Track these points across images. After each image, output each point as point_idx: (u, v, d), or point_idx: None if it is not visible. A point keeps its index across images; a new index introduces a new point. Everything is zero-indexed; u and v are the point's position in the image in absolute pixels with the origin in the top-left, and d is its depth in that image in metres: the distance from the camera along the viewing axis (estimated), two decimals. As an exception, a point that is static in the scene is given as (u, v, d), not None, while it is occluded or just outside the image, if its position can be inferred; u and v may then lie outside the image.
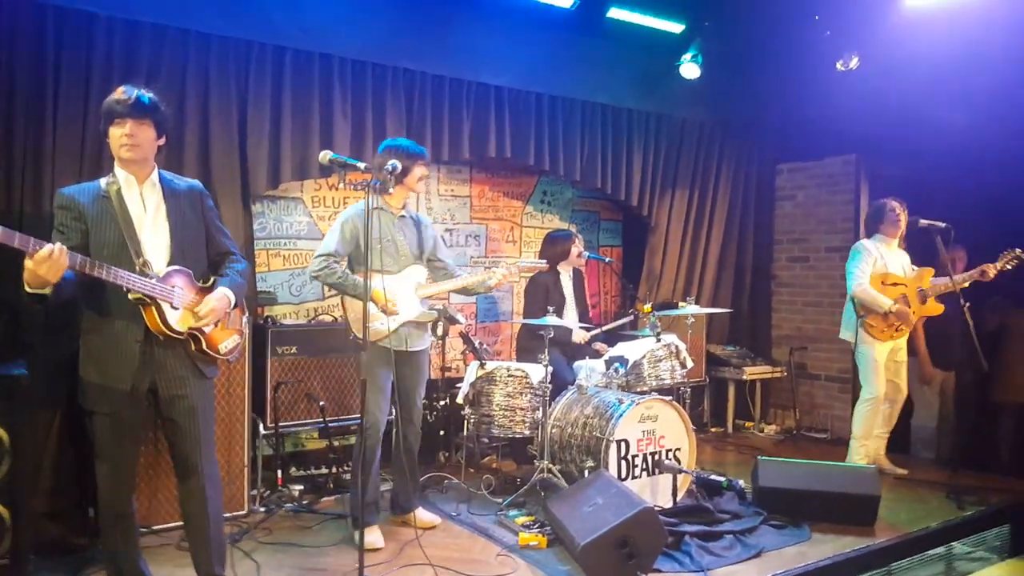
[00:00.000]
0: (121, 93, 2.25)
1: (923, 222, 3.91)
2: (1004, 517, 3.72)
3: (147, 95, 2.28)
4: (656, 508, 2.97)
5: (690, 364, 4.04)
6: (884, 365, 4.10)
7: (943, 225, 3.90)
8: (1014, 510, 3.76)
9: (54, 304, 2.13)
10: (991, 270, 4.04)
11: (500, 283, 3.33)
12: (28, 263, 1.99)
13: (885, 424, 4.27)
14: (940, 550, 3.48)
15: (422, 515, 3.30)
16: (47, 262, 1.98)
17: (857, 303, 4.09)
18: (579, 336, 4.44)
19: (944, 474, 4.06)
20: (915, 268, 4.23)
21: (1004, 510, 3.74)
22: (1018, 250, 4.04)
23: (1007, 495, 3.88)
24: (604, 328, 4.66)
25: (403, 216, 3.26)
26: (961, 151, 4.45)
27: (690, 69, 4.82)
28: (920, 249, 4.32)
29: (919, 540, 3.39)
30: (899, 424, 4.43)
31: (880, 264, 4.11)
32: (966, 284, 4.03)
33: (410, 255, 3.23)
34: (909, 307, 4.06)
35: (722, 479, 3.48)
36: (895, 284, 4.10)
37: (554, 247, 4.49)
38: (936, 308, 4.15)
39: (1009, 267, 4.05)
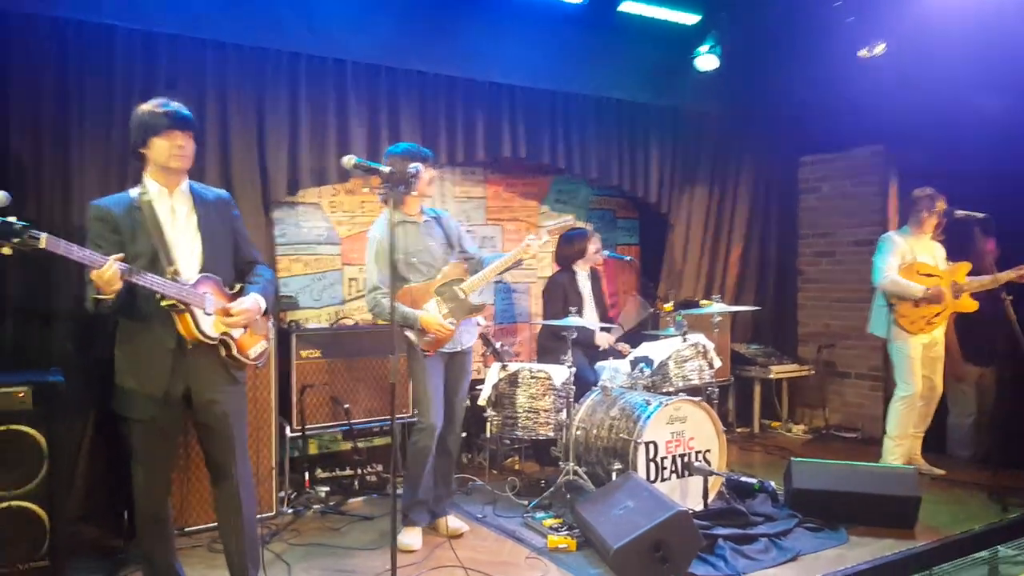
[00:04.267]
0: (162, 106, 2.32)
1: (959, 213, 3.78)
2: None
3: (184, 109, 2.36)
4: (689, 511, 2.91)
5: (718, 363, 3.96)
6: (920, 361, 3.99)
7: (981, 216, 3.76)
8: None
9: (114, 309, 2.22)
10: None
11: (535, 254, 3.26)
12: (92, 275, 2.12)
13: (920, 423, 4.15)
14: (984, 553, 3.34)
15: (452, 522, 3.27)
16: (101, 279, 2.10)
17: (888, 296, 3.98)
18: (602, 340, 4.38)
19: (984, 474, 3.91)
20: (949, 262, 4.10)
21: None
22: None
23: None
24: (627, 329, 4.59)
25: (426, 220, 3.24)
26: (994, 137, 4.30)
27: (707, 61, 4.72)
28: (952, 240, 4.18)
29: (962, 543, 3.26)
30: (933, 422, 4.30)
31: (909, 256, 4.00)
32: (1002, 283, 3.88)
33: (442, 257, 3.22)
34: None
35: (754, 481, 3.43)
36: (929, 275, 3.98)
37: (570, 246, 4.44)
38: (970, 304, 4.00)
39: None
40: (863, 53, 4.48)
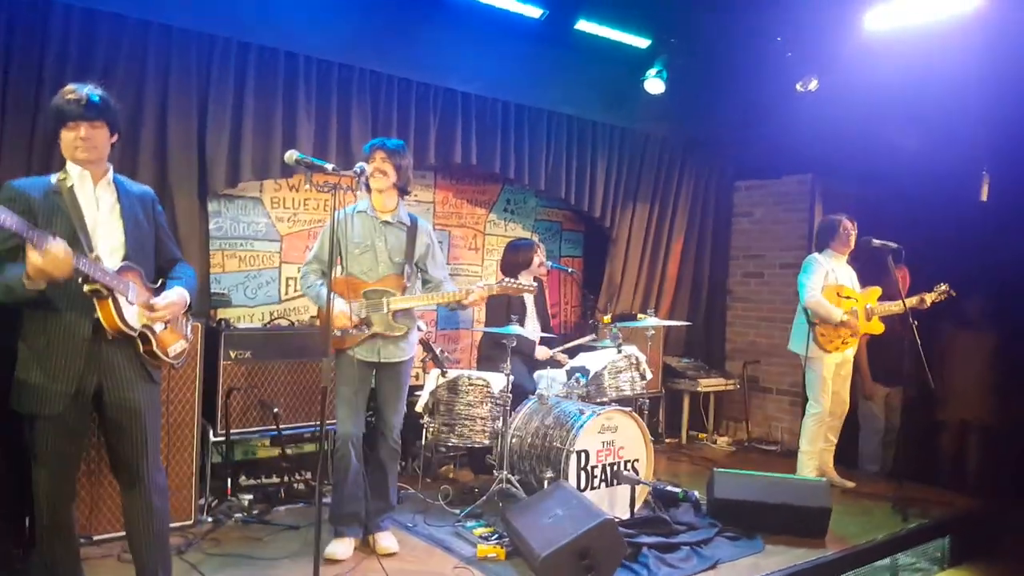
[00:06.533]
0: (72, 93, 2.17)
1: (876, 242, 4.04)
2: (945, 529, 3.86)
3: (97, 94, 2.21)
4: (615, 519, 2.98)
5: (649, 375, 4.08)
6: (831, 379, 4.23)
7: (895, 246, 4.04)
8: (954, 522, 3.91)
9: (34, 297, 2.06)
10: (928, 300, 4.22)
11: (476, 302, 3.14)
12: (35, 258, 1.94)
13: (832, 434, 4.39)
14: (886, 561, 3.58)
15: (384, 540, 3.12)
16: (54, 263, 1.95)
17: (810, 314, 4.21)
18: (541, 353, 4.44)
19: (890, 487, 4.17)
20: (863, 287, 4.37)
21: (945, 522, 3.88)
22: (945, 285, 4.25)
23: (947, 508, 4.04)
24: (567, 346, 4.64)
25: (387, 221, 3.10)
26: (911, 174, 4.64)
27: (654, 84, 4.88)
28: (863, 266, 4.46)
29: (866, 552, 3.48)
30: (847, 438, 4.56)
31: (832, 277, 4.24)
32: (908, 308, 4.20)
33: (390, 262, 3.07)
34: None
35: (678, 490, 3.52)
36: (848, 297, 4.23)
37: (516, 256, 4.48)
38: (878, 327, 4.28)
39: (940, 299, 4.25)
40: (799, 87, 4.75)
